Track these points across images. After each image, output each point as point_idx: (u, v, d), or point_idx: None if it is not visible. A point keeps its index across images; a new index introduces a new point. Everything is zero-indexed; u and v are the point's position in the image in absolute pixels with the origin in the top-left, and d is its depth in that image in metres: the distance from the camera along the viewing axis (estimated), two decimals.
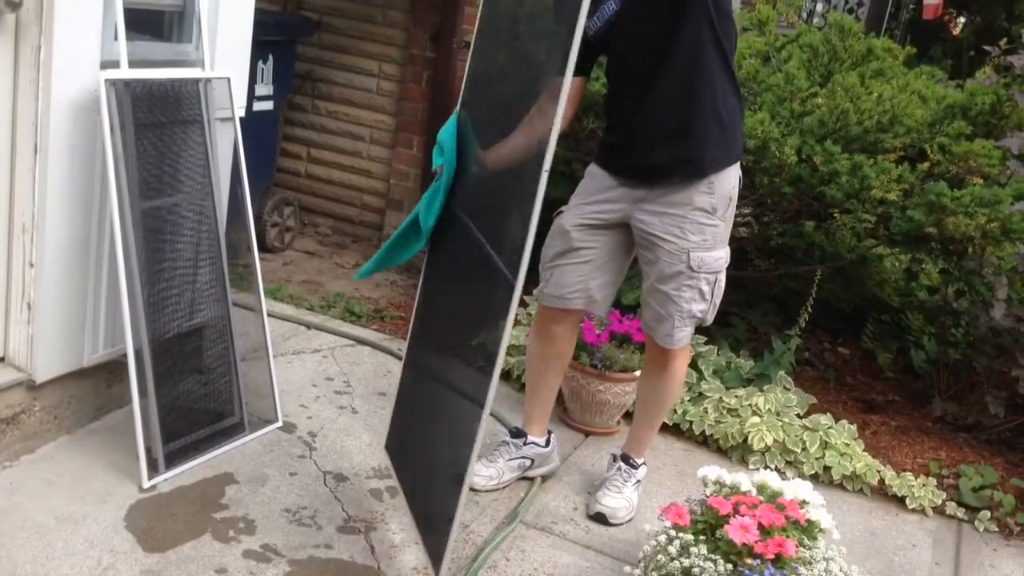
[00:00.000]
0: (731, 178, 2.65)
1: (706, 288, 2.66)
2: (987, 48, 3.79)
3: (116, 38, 2.57)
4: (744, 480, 2.49)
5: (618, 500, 2.88)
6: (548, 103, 2.11)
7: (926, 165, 3.37)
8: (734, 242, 4.24)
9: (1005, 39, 3.88)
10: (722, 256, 2.68)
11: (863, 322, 4.38)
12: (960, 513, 3.22)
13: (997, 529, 3.17)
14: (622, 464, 2.94)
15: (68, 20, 2.45)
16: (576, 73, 2.09)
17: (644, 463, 2.97)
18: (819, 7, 12.63)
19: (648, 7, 2.53)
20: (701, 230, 2.61)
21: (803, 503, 2.43)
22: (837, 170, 3.21)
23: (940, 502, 3.23)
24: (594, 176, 2.76)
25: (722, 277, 2.70)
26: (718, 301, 2.72)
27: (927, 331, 4.09)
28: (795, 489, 2.46)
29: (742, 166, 2.56)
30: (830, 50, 3.49)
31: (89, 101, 2.53)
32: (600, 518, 2.85)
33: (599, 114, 3.53)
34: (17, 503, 2.45)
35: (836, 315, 4.48)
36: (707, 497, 2.43)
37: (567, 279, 2.77)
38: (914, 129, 3.37)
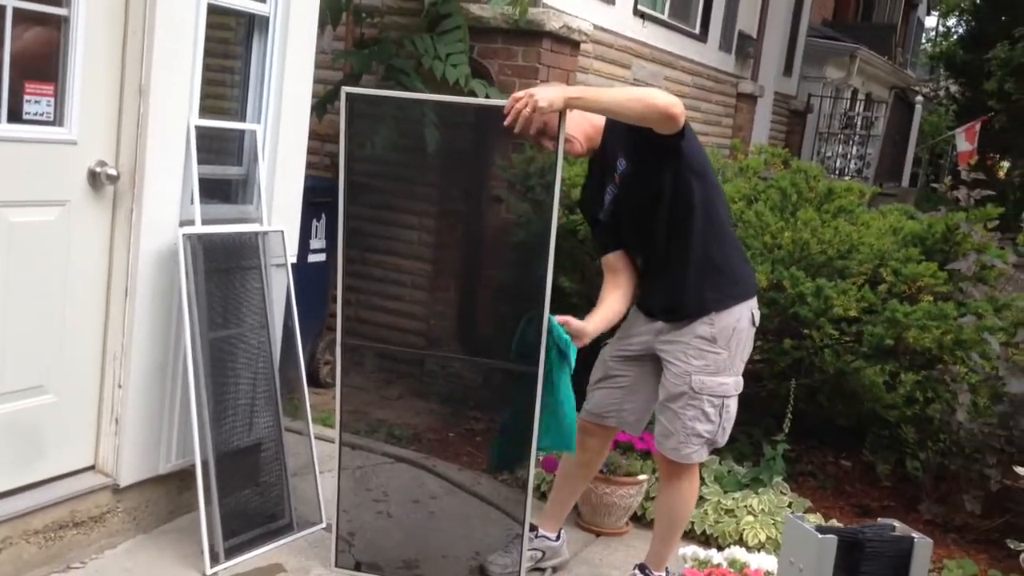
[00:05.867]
0: (735, 313, 2.98)
1: (710, 410, 2.97)
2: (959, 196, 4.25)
3: (192, 202, 3.19)
4: (716, 555, 2.88)
5: None
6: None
7: (885, 286, 3.82)
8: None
9: None
10: (727, 382, 2.99)
11: (866, 438, 4.72)
12: None
13: None
14: (638, 572, 3.24)
15: (155, 189, 3.07)
16: (613, 248, 3.09)
17: (667, 573, 3.23)
18: (838, 163, 13.63)
19: (634, 186, 3.00)
20: (702, 355, 2.96)
21: (768, 573, 2.81)
22: (803, 292, 3.69)
23: None
24: (633, 314, 3.20)
25: (730, 403, 3.01)
26: (728, 425, 3.03)
27: (919, 441, 4.42)
28: (760, 560, 2.85)
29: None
30: (796, 191, 4.02)
31: (169, 252, 3.13)
32: None
33: None
34: None
35: (841, 432, 4.84)
36: (683, 570, 2.83)
37: (604, 400, 3.20)
38: (876, 255, 3.84)
